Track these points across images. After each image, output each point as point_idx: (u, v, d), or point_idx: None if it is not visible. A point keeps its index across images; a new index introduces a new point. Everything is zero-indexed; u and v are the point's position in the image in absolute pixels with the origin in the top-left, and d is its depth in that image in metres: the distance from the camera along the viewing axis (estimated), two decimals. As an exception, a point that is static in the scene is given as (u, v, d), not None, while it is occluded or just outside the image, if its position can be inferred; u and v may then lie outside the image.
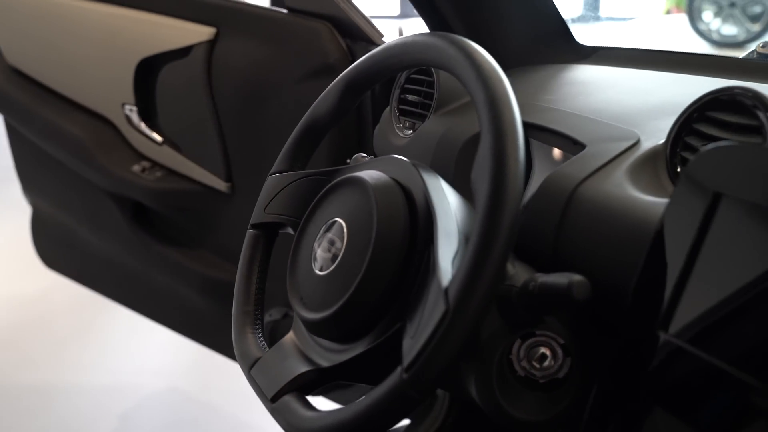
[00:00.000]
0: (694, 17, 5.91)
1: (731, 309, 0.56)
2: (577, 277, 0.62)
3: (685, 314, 0.59)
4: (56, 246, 2.12)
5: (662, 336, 0.60)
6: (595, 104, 0.92)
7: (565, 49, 1.22)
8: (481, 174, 0.63)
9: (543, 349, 0.69)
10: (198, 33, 1.46)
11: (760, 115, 0.70)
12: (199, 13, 1.47)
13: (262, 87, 1.42)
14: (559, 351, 0.70)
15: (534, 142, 0.96)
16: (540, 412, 0.70)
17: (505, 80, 0.66)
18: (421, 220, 0.72)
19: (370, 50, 0.83)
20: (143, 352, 2.36)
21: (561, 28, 1.22)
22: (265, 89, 1.41)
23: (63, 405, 2.10)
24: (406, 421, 1.45)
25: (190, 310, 1.78)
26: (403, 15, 5.63)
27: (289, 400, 0.74)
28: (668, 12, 7.06)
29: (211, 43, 1.45)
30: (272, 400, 0.75)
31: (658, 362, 0.60)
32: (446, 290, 0.60)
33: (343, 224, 0.76)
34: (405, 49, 0.78)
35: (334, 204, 0.79)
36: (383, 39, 1.32)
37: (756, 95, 0.71)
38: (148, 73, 1.58)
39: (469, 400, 0.73)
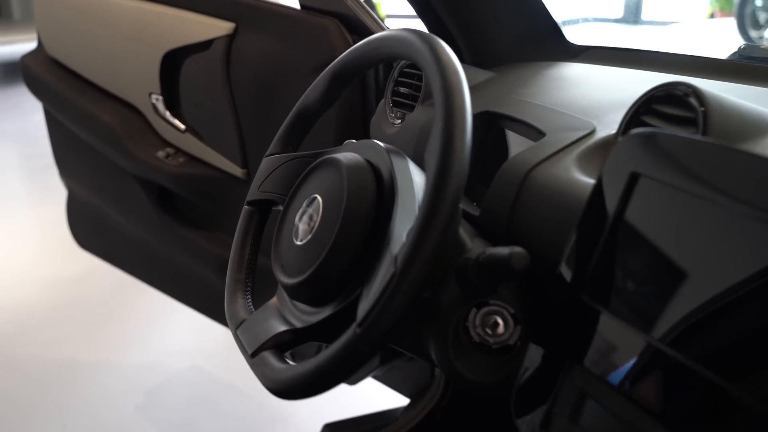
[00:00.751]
0: (744, 24, 5.57)
1: (645, 277, 0.62)
2: (517, 249, 0.69)
3: (603, 281, 0.66)
4: (88, 227, 2.20)
5: (584, 300, 0.66)
6: (566, 98, 0.97)
7: (556, 48, 1.26)
8: (431, 153, 0.69)
9: (496, 318, 0.75)
10: (218, 28, 1.53)
11: (694, 104, 0.74)
12: (220, 9, 1.54)
13: (275, 79, 1.47)
14: (510, 320, 0.75)
15: (512, 132, 1.02)
16: (489, 375, 0.76)
17: (461, 71, 0.72)
18: (386, 197, 0.78)
19: None
20: (171, 333, 2.42)
21: (553, 28, 1.27)
22: (279, 81, 1.47)
23: (93, 381, 2.17)
24: (404, 401, 1.52)
25: (209, 289, 1.83)
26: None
27: (267, 355, 0.81)
28: (712, 16, 6.92)
29: (230, 38, 1.52)
30: (252, 356, 0.82)
31: (579, 325, 0.67)
32: (396, 256, 0.67)
33: (320, 200, 0.82)
34: (382, 43, 0.84)
35: (315, 182, 0.86)
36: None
37: (694, 90, 0.75)
38: (173, 64, 1.65)
39: (431, 362, 0.81)
